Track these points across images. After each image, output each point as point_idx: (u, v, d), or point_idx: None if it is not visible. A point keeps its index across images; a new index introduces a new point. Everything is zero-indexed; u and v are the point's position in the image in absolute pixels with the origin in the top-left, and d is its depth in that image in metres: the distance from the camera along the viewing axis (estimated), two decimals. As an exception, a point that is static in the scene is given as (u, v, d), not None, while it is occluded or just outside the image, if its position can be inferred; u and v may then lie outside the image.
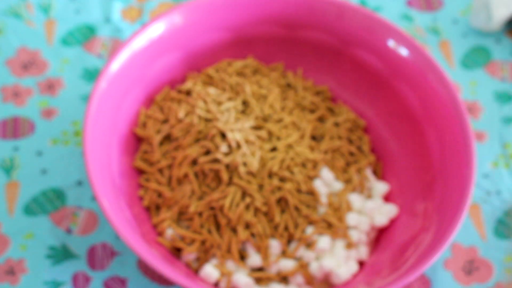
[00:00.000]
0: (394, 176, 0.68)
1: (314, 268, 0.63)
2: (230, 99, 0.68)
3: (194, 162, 0.64)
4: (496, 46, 0.80)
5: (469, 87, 0.78)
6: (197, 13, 0.68)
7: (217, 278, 0.62)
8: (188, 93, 0.69)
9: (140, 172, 0.67)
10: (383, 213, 0.66)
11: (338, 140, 0.68)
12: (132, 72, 0.66)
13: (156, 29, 0.67)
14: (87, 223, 0.67)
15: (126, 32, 0.79)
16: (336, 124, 0.70)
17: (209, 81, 0.70)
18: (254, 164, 0.63)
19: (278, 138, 0.66)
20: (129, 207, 0.63)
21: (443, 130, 0.65)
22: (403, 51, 0.68)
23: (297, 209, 0.63)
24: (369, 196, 0.68)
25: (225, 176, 0.62)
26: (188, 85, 0.69)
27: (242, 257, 0.63)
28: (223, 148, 0.63)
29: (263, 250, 0.62)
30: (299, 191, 0.64)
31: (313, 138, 0.69)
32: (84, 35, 0.78)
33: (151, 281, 0.64)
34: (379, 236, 0.67)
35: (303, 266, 0.62)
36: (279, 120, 0.67)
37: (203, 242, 0.63)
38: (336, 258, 0.63)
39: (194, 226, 0.63)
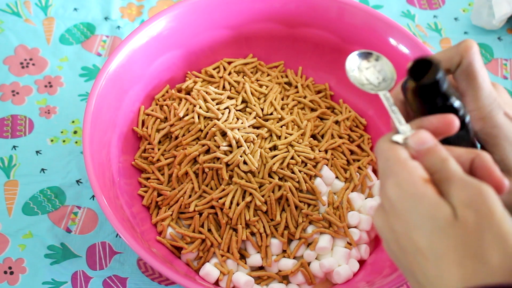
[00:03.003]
0: (395, 174, 0.68)
1: (315, 267, 0.62)
2: (230, 97, 0.67)
3: (194, 160, 0.64)
4: (498, 44, 0.80)
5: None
6: (197, 11, 0.68)
7: (218, 277, 0.61)
8: (188, 91, 0.68)
9: (140, 170, 0.66)
10: (384, 211, 0.66)
11: (338, 139, 0.68)
12: (131, 70, 0.65)
13: (156, 27, 0.66)
14: (86, 222, 0.67)
15: (125, 30, 0.78)
16: (337, 123, 0.70)
17: (209, 80, 0.69)
18: (255, 163, 0.63)
19: (279, 137, 0.65)
20: (129, 206, 0.63)
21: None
22: (404, 49, 0.68)
23: (297, 208, 0.63)
24: (370, 195, 0.67)
25: (225, 175, 0.62)
26: (188, 83, 0.68)
27: (243, 256, 0.63)
28: (224, 146, 0.63)
29: (263, 249, 0.62)
30: (299, 190, 0.63)
31: (314, 136, 0.68)
32: (83, 33, 0.78)
33: (151, 280, 0.64)
34: (380, 235, 0.66)
35: (303, 265, 0.62)
36: (280, 119, 0.67)
37: (203, 241, 0.62)
38: (337, 257, 0.63)
39: (194, 225, 0.62)
